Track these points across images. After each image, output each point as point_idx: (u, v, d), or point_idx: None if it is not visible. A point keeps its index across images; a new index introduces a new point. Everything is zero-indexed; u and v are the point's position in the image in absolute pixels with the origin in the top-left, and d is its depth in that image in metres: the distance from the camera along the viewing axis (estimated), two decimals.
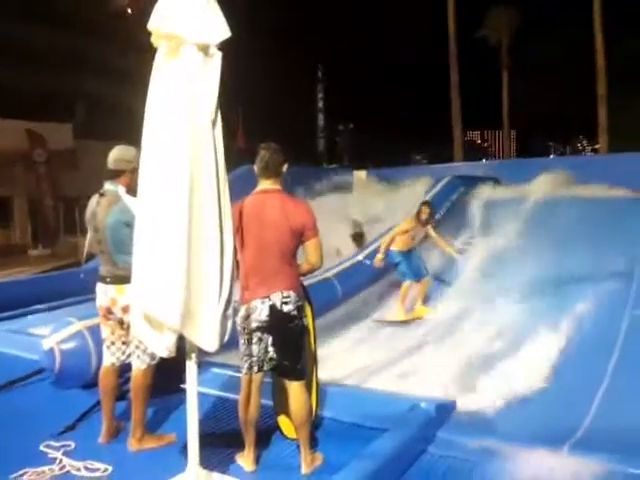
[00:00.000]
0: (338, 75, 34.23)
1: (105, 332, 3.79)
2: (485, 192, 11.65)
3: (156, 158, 2.56)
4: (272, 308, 3.17)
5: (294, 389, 3.29)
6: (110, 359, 3.78)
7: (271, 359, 3.26)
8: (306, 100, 33.37)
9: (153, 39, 2.56)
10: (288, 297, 3.20)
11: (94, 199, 3.79)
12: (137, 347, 3.62)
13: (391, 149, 34.11)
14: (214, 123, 2.58)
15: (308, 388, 3.46)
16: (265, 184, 3.31)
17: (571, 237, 7.98)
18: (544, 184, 11.07)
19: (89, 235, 3.79)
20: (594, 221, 8.39)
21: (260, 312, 3.18)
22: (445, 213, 10.74)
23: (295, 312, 3.23)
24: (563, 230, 8.33)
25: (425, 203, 8.27)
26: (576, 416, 3.87)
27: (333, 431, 3.75)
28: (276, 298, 3.18)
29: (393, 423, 3.55)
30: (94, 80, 24.67)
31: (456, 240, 9.48)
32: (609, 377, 4.56)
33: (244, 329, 3.21)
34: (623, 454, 3.18)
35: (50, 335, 4.68)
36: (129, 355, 3.72)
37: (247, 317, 3.19)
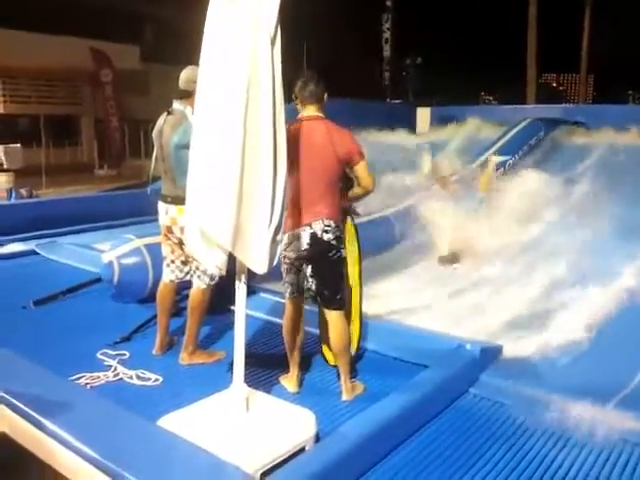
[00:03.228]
0: (407, 6, 32.72)
1: (165, 250, 3.89)
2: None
3: (213, 77, 2.53)
4: (313, 236, 3.21)
5: (333, 318, 3.35)
6: (169, 276, 3.90)
7: (309, 289, 3.33)
8: (374, 32, 32.20)
9: None
10: (329, 226, 3.23)
11: (162, 117, 3.82)
12: (197, 267, 3.73)
13: (460, 87, 32.82)
14: (273, 42, 2.51)
15: (348, 318, 3.50)
16: (309, 111, 3.33)
17: None
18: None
19: (155, 153, 3.84)
20: None
21: (301, 240, 3.23)
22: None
23: (335, 242, 3.26)
24: None
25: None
26: (627, 372, 3.77)
27: (377, 364, 3.80)
28: (317, 226, 3.21)
29: (437, 361, 3.57)
30: (163, 3, 24.50)
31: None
32: None
33: (285, 257, 3.28)
34: None
35: (110, 250, 4.86)
36: (187, 273, 3.84)
37: (289, 244, 3.24)
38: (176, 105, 3.75)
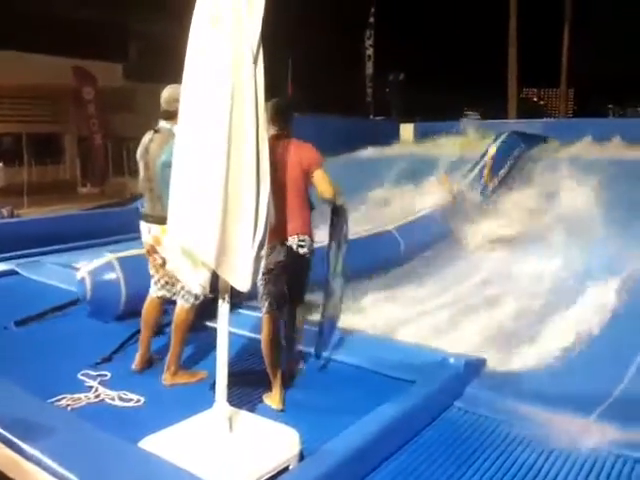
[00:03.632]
0: (390, 22, 33.06)
1: (151, 269, 3.85)
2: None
3: (196, 93, 2.54)
4: (289, 250, 3.41)
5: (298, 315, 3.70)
6: (157, 292, 3.86)
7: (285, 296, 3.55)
8: (357, 49, 32.53)
9: None
10: (303, 241, 3.46)
11: (147, 135, 3.79)
12: (182, 287, 3.69)
13: (442, 102, 33.14)
14: (256, 61, 2.53)
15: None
16: (274, 130, 3.51)
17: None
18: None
19: (141, 173, 3.81)
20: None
21: (278, 254, 3.38)
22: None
23: (309, 255, 3.51)
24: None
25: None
26: (608, 384, 3.80)
27: (361, 379, 3.80)
28: (293, 241, 3.42)
29: (421, 375, 3.57)
30: (147, 21, 24.54)
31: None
32: None
33: (263, 268, 3.30)
34: None
35: (83, 266, 4.83)
36: (174, 294, 3.80)
37: (266, 257, 3.25)
38: (163, 124, 3.73)
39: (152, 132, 3.76)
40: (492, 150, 10.58)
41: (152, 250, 3.74)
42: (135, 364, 3.88)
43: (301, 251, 3.43)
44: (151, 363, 3.95)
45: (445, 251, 7.61)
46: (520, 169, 10.72)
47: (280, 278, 3.44)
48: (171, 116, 3.56)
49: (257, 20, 2.55)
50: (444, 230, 8.27)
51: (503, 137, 11.26)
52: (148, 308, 3.89)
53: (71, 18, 20.75)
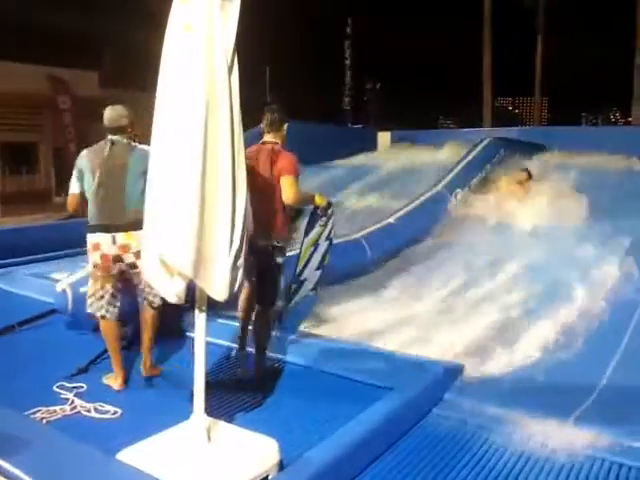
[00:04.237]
0: (368, 32, 33.44)
1: (94, 287, 3.78)
2: None
3: (171, 102, 2.52)
4: (264, 251, 3.64)
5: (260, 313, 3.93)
6: (101, 311, 3.79)
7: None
8: (335, 58, 32.75)
9: None
10: (277, 242, 3.71)
11: (103, 146, 3.78)
12: (149, 293, 3.75)
13: (419, 111, 33.48)
14: (231, 70, 2.53)
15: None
16: (267, 137, 3.85)
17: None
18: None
19: (96, 181, 3.71)
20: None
21: (254, 255, 3.52)
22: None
23: (281, 259, 3.76)
24: None
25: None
26: (583, 389, 3.85)
27: (341, 386, 3.79)
28: (267, 242, 3.66)
29: (400, 382, 3.58)
30: (124, 29, 24.43)
31: None
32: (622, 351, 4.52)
33: None
34: (627, 427, 3.18)
35: (63, 278, 4.77)
36: (117, 307, 3.80)
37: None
38: (116, 137, 3.76)
39: (110, 143, 3.76)
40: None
41: (117, 259, 3.70)
42: (118, 385, 3.80)
43: (275, 257, 3.71)
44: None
45: (416, 256, 7.58)
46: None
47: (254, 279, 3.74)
48: (121, 131, 3.76)
49: (232, 27, 2.54)
50: (413, 236, 8.21)
51: (483, 144, 11.28)
52: (104, 328, 3.84)
53: (47, 26, 20.55)
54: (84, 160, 3.80)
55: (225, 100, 2.54)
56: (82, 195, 3.81)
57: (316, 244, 4.16)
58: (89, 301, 3.83)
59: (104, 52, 24.89)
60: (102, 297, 3.78)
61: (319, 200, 4.06)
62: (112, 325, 3.84)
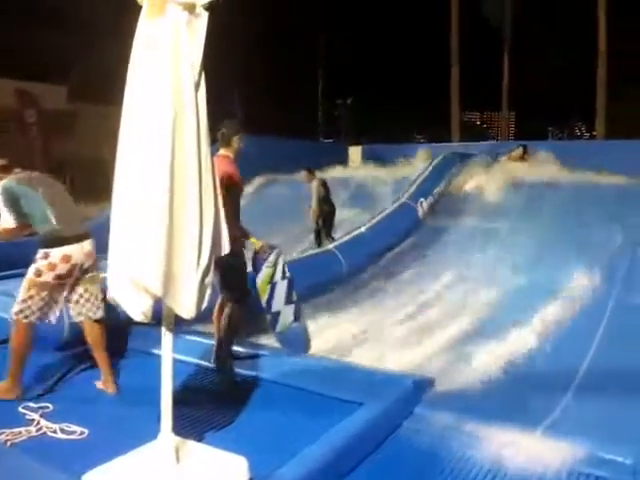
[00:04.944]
0: (339, 47, 33.73)
1: (42, 293, 3.81)
2: None
3: (137, 120, 2.51)
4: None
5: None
6: (25, 312, 3.82)
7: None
8: (307, 72, 32.94)
9: None
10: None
11: (31, 175, 4.02)
12: (90, 300, 3.93)
13: (390, 126, 33.78)
14: (197, 85, 2.52)
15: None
16: (220, 151, 4.21)
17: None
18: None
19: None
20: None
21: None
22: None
23: (238, 258, 3.96)
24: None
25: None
26: (550, 401, 3.90)
27: (310, 403, 3.77)
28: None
29: (370, 397, 3.58)
30: (92, 43, 24.19)
31: None
32: (589, 361, 4.61)
33: None
34: (596, 437, 3.22)
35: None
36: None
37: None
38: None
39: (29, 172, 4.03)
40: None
41: (79, 269, 3.86)
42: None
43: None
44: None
45: (390, 266, 7.68)
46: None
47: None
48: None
49: (199, 43, 2.54)
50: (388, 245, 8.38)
51: (440, 157, 11.73)
52: (20, 336, 3.83)
53: (14, 39, 20.29)
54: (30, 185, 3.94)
55: (192, 118, 2.53)
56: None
57: (272, 282, 4.37)
58: (20, 307, 3.82)
59: (73, 66, 24.63)
60: (31, 297, 3.80)
61: (256, 244, 4.38)
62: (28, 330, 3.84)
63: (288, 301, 4.45)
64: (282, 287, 4.43)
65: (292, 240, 9.82)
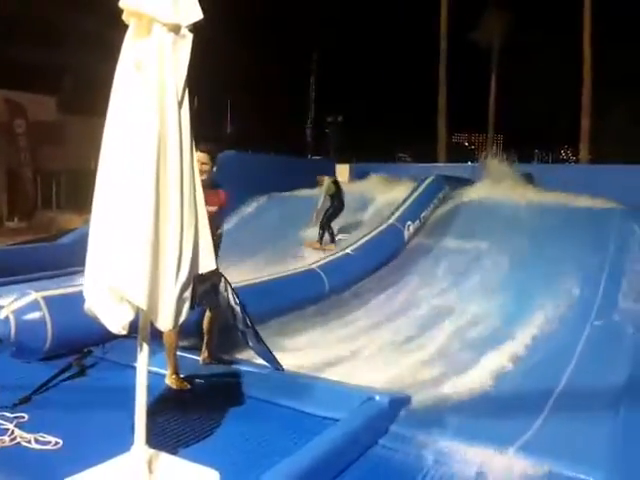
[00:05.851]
0: (331, 66, 34.05)
1: None
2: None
3: (120, 137, 2.55)
4: None
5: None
6: None
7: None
8: (298, 89, 33.18)
9: (124, 16, 2.55)
10: None
11: None
12: None
13: (379, 144, 34.04)
14: (181, 104, 2.58)
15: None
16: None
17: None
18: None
19: None
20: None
21: None
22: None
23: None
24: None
25: None
26: (524, 420, 3.94)
27: (284, 418, 3.78)
28: None
29: (345, 413, 3.60)
30: (82, 55, 24.22)
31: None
32: (564, 383, 4.67)
33: None
34: (568, 459, 3.27)
35: (7, 305, 4.67)
36: None
37: None
38: None
39: None
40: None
41: None
42: None
43: None
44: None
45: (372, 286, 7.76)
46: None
47: None
48: None
49: (183, 63, 2.60)
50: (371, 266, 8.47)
51: (428, 180, 11.79)
52: None
53: (3, 49, 20.29)
54: None
55: (175, 136, 2.57)
56: None
57: (229, 307, 4.43)
58: None
59: (63, 77, 24.63)
60: None
61: None
62: None
63: (248, 325, 4.46)
64: (238, 310, 4.42)
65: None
